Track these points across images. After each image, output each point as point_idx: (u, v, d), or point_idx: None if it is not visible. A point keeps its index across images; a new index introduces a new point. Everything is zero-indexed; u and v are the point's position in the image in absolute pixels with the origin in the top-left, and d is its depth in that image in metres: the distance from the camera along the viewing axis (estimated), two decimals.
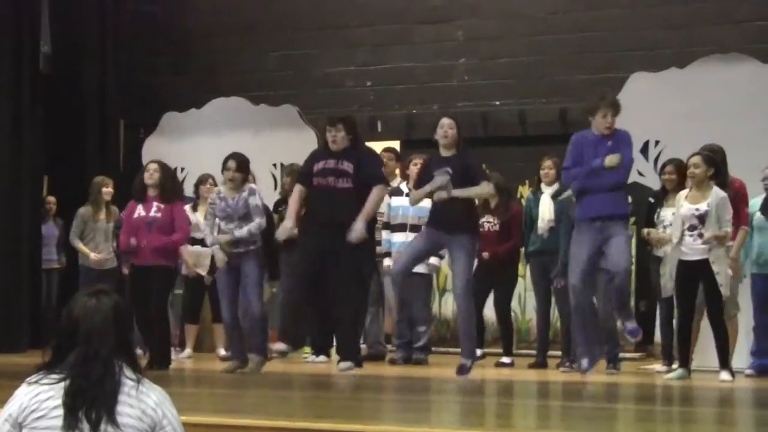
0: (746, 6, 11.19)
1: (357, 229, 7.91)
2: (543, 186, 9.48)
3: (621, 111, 8.09)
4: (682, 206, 8.22)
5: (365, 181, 8.11)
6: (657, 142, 10.33)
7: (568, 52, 11.67)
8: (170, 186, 8.97)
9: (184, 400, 5.96)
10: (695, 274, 8.13)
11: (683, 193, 8.34)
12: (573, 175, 8.17)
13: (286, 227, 8.30)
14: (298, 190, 8.38)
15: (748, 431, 5.78)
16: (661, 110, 10.29)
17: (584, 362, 8.02)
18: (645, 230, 9.03)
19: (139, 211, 8.79)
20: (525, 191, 10.62)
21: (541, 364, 9.46)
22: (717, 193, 8.09)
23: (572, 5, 11.83)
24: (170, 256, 8.87)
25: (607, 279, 8.41)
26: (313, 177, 8.17)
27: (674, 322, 8.54)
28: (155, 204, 8.76)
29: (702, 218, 8.11)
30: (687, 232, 8.17)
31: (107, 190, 10.45)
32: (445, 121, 8.20)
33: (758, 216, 8.89)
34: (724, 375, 8.12)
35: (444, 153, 8.20)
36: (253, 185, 8.92)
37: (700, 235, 8.10)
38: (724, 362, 8.18)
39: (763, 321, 8.87)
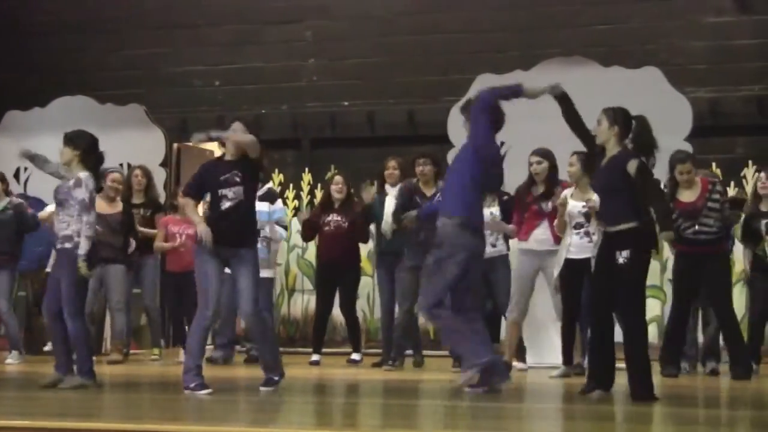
0: (588, 11, 11.51)
1: None
2: (387, 186, 9.53)
3: None
4: (567, 204, 8.15)
5: None
6: (502, 143, 10.47)
7: (417, 53, 11.81)
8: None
9: (10, 405, 5.83)
10: (581, 273, 8.03)
11: (568, 191, 8.36)
12: None
13: None
14: None
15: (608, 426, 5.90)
16: (505, 111, 10.44)
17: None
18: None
19: None
20: None
21: (386, 362, 9.50)
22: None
23: (420, 7, 11.97)
24: None
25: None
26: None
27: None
28: None
29: (588, 216, 8.10)
30: (573, 231, 8.24)
31: None
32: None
33: None
34: None
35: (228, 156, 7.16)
36: None
37: (587, 234, 8.15)
38: None
39: None
